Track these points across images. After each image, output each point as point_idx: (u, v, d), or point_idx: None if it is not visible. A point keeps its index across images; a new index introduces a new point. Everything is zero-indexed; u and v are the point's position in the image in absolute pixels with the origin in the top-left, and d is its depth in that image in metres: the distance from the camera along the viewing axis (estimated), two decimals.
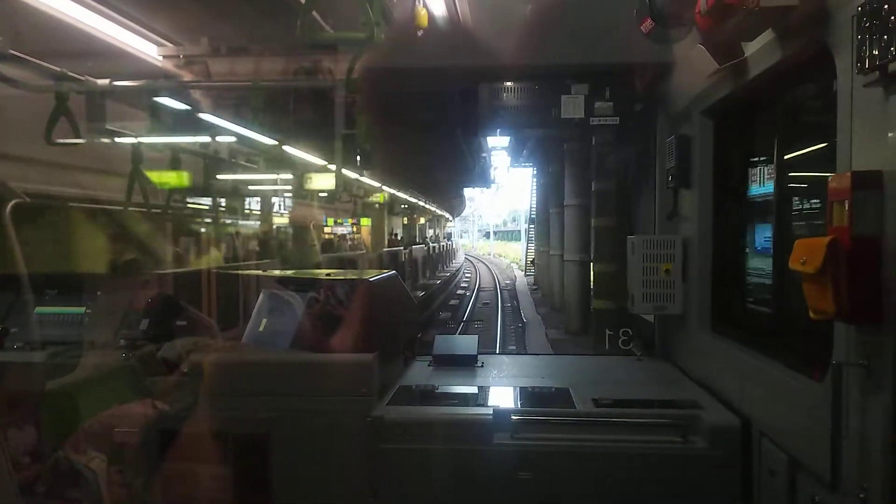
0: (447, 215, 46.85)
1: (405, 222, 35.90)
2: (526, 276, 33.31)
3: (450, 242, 44.64)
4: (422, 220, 43.38)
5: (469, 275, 33.22)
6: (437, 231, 46.51)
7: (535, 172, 27.20)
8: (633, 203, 9.51)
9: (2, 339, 3.28)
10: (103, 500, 2.51)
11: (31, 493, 2.29)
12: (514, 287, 28.35)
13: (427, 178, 20.75)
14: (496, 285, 28.49)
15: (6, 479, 1.92)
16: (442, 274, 29.86)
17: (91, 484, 2.47)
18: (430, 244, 31.19)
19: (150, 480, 2.86)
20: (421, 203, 32.20)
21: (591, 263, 11.70)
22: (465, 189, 33.33)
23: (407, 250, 23.29)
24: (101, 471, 2.52)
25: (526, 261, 35.23)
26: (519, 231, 50.16)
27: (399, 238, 30.03)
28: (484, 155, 22.46)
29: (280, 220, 18.90)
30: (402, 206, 31.00)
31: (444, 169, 18.79)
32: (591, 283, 11.34)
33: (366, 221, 25.63)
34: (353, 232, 24.75)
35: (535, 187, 28.67)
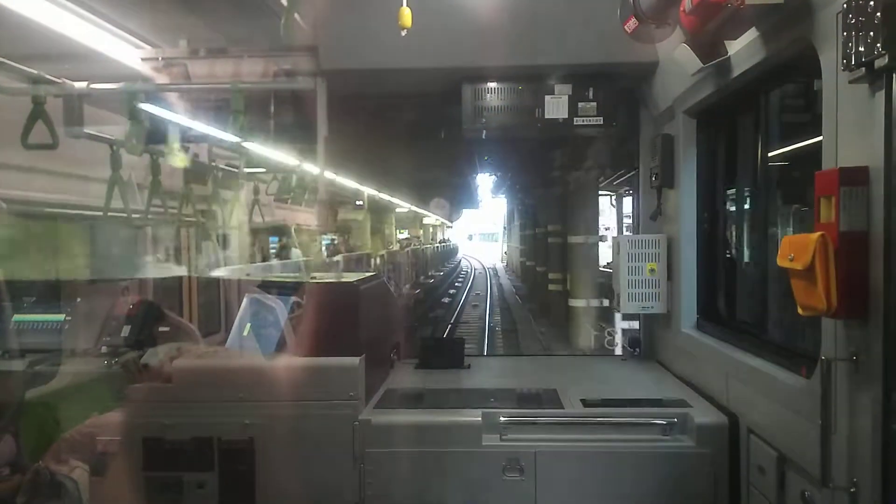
0: (448, 223, 61.88)
1: (432, 231, 54.33)
2: (501, 262, 56.80)
3: (453, 243, 60.76)
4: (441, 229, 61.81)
5: (467, 266, 51.52)
6: (444, 234, 63.54)
7: (507, 201, 42.18)
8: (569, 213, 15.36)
9: None
10: None
11: None
12: (494, 267, 50.84)
13: (438, 195, 30.54)
14: (485, 268, 48.45)
15: None
16: (454, 260, 51.67)
17: (72, 494, 2.41)
18: (445, 243, 52.74)
19: (133, 489, 2.81)
20: (436, 218, 48.47)
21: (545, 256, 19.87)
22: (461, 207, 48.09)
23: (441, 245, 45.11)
24: (82, 481, 2.46)
25: (502, 253, 60.50)
26: (496, 234, 70.55)
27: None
28: (480, 196, 37.44)
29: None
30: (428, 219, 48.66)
31: (450, 193, 29.38)
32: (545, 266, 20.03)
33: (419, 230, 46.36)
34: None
35: (506, 210, 48.90)
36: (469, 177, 23.45)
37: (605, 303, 13.21)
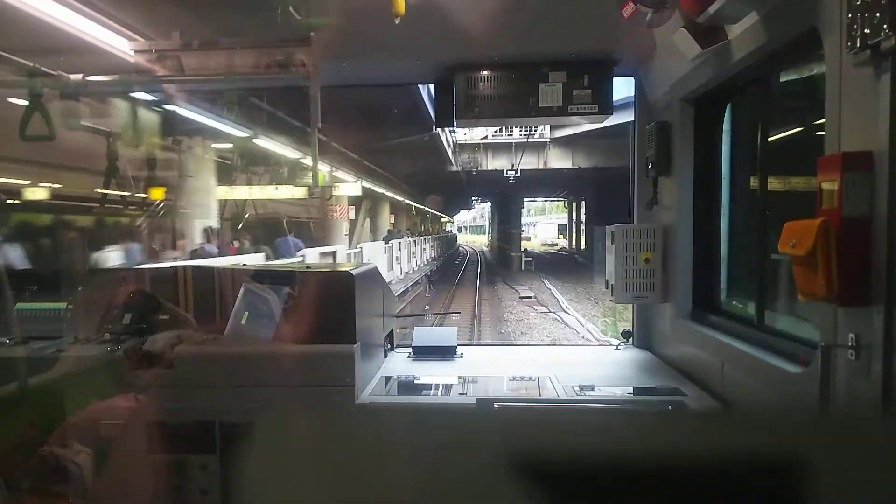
0: (451, 220, 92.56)
1: (445, 225, 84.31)
2: (487, 247, 77.04)
3: (454, 233, 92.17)
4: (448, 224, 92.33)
5: (464, 251, 73.29)
6: (450, 227, 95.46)
7: (490, 205, 72.38)
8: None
9: None
10: (89, 493, 2.47)
11: (17, 489, 2.24)
12: (482, 251, 70.95)
13: (445, 200, 55.34)
14: (475, 251, 69.90)
15: None
16: (457, 245, 78.91)
17: (77, 478, 2.43)
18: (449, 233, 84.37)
19: (137, 472, 2.83)
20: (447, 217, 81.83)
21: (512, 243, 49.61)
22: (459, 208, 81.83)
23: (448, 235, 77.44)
24: (86, 465, 2.47)
25: (488, 241, 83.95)
26: (483, 226, 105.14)
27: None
28: (472, 199, 66.90)
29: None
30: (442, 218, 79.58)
31: (451, 197, 57.52)
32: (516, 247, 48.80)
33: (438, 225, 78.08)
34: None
35: (490, 211, 76.74)
36: (466, 190, 48.28)
37: (522, 254, 45.62)
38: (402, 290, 24.65)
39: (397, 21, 3.07)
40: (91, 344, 3.26)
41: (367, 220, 32.96)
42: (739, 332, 2.97)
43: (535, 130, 33.13)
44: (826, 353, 1.96)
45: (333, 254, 18.64)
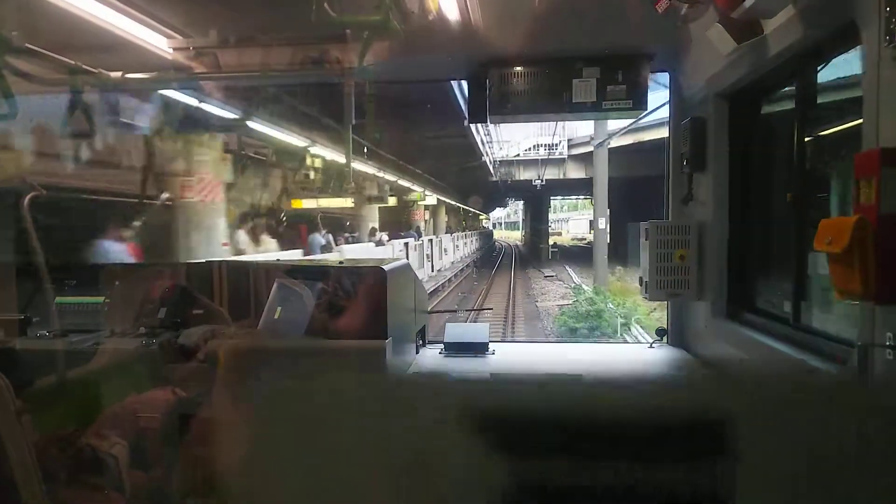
0: (487, 217, 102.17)
1: (483, 222, 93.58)
2: (521, 241, 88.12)
3: (490, 229, 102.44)
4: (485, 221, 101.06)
5: (499, 245, 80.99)
6: (487, 224, 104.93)
7: (523, 204, 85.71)
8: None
9: (25, 328, 3.33)
10: (125, 485, 2.52)
11: (55, 480, 2.30)
12: (517, 245, 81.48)
13: (483, 199, 61.70)
14: (510, 245, 79.68)
15: (30, 468, 1.93)
16: (493, 240, 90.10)
17: (113, 470, 2.48)
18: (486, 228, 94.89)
19: (171, 465, 2.88)
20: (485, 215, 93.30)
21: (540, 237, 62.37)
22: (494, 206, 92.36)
23: (482, 233, 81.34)
24: (122, 457, 2.53)
25: (521, 235, 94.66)
26: (518, 222, 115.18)
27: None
28: (507, 199, 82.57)
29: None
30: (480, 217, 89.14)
31: (487, 199, 67.73)
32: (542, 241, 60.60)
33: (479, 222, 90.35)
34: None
35: (523, 209, 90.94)
36: (501, 190, 55.72)
37: (550, 246, 56.85)
38: (460, 268, 35.85)
39: (430, 17, 3.07)
40: (127, 337, 3.34)
41: (431, 219, 43.11)
42: (775, 330, 2.92)
43: (556, 149, 43.68)
44: (863, 351, 1.93)
45: (431, 240, 29.80)
